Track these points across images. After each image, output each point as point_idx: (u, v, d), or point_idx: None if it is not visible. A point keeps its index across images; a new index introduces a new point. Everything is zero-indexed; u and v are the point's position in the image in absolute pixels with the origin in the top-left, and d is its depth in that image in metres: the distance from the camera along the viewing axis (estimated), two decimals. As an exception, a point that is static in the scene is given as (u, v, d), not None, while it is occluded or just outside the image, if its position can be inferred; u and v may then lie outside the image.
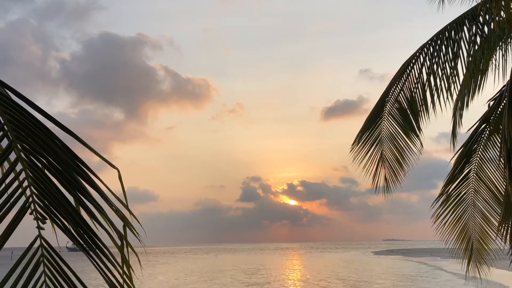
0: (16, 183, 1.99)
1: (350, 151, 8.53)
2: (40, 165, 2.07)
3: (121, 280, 2.04)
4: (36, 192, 2.00)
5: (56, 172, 2.09)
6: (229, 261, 70.51)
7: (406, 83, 8.17)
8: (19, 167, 2.02)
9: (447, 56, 7.60)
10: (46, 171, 2.08)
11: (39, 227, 1.95)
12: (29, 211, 1.97)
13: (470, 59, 7.33)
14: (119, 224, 2.13)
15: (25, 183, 2.00)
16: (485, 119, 7.48)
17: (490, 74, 7.38)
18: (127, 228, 2.10)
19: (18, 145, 2.03)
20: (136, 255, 2.11)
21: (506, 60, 7.24)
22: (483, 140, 7.64)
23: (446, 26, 7.69)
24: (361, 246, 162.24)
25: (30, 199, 1.98)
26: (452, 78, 7.62)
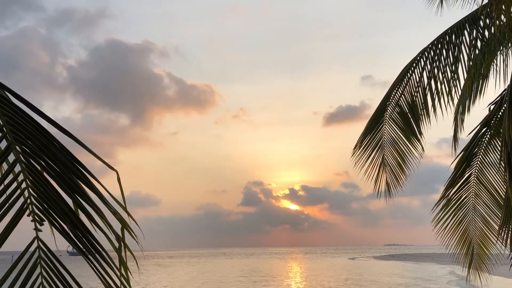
0: (14, 185, 1.99)
1: (352, 156, 8.52)
2: (39, 167, 2.07)
3: (118, 283, 2.04)
4: (35, 194, 2.00)
5: (54, 174, 2.09)
6: (230, 266, 70.33)
7: (407, 87, 8.17)
8: (17, 168, 2.02)
9: (447, 60, 7.60)
10: (45, 173, 2.08)
11: (36, 229, 1.95)
12: (27, 212, 1.97)
13: (470, 63, 7.33)
14: (117, 227, 2.13)
15: (24, 185, 2.00)
16: (485, 123, 7.48)
17: (491, 78, 7.39)
18: (125, 230, 2.10)
19: (17, 147, 2.03)
20: (134, 257, 2.11)
21: (507, 64, 7.25)
22: (484, 144, 7.63)
23: (447, 30, 7.69)
24: (362, 251, 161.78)
25: (28, 201, 1.98)
26: (453, 82, 7.61)
